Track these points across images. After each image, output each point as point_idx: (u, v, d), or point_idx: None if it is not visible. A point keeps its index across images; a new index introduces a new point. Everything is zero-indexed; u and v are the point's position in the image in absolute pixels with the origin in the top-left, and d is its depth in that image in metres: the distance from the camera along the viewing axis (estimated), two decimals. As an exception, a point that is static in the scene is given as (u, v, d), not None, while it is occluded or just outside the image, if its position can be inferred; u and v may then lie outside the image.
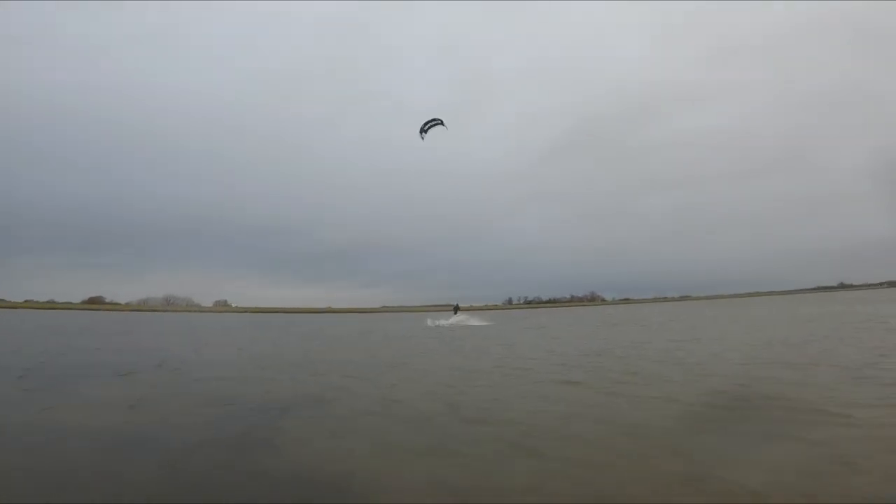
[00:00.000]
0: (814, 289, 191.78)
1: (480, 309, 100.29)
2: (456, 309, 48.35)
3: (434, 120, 17.91)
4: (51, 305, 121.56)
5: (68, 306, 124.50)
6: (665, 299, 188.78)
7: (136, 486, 4.40)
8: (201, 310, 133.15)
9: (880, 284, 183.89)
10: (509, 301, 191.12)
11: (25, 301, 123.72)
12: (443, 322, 38.26)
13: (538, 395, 8.50)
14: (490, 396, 8.39)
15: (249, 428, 6.42)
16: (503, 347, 17.86)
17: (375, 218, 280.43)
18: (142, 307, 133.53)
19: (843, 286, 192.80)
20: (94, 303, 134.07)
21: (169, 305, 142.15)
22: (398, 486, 4.40)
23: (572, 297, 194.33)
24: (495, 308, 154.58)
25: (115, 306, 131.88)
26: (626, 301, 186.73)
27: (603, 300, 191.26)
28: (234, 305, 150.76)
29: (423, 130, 18.06)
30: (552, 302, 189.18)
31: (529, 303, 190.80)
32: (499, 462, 4.94)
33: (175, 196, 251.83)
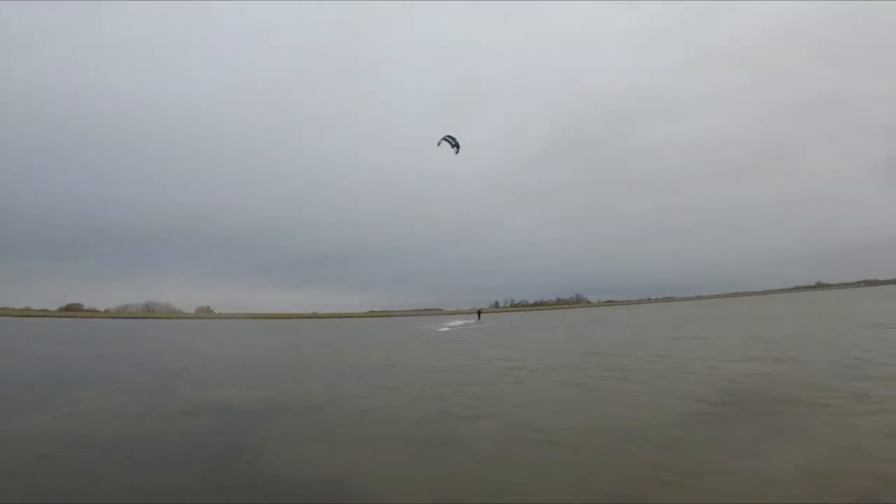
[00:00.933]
0: (792, 288, 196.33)
1: (486, 312, 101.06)
2: (479, 313, 63.06)
3: (454, 140, 18.37)
4: (27, 313, 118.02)
5: (45, 314, 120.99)
6: (648, 301, 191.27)
7: (137, 491, 4.38)
8: (183, 316, 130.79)
9: (856, 283, 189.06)
10: (496, 304, 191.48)
11: (1, 308, 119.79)
12: (473, 322, 49.02)
13: (540, 393, 8.60)
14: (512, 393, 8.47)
15: (255, 432, 6.40)
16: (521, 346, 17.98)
17: (362, 224, 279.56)
18: (121, 314, 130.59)
19: (820, 286, 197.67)
20: (72, 310, 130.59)
21: (150, 312, 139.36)
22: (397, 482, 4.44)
23: (558, 299, 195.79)
24: (512, 310, 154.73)
25: (93, 313, 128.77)
26: (610, 303, 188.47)
27: (588, 302, 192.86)
28: (217, 312, 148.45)
29: (443, 139, 18.48)
30: (538, 305, 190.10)
31: (516, 306, 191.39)
32: (497, 460, 5.00)
33: (155, 203, 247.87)
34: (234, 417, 7.34)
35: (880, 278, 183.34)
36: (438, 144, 18.35)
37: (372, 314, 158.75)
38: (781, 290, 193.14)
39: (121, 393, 9.63)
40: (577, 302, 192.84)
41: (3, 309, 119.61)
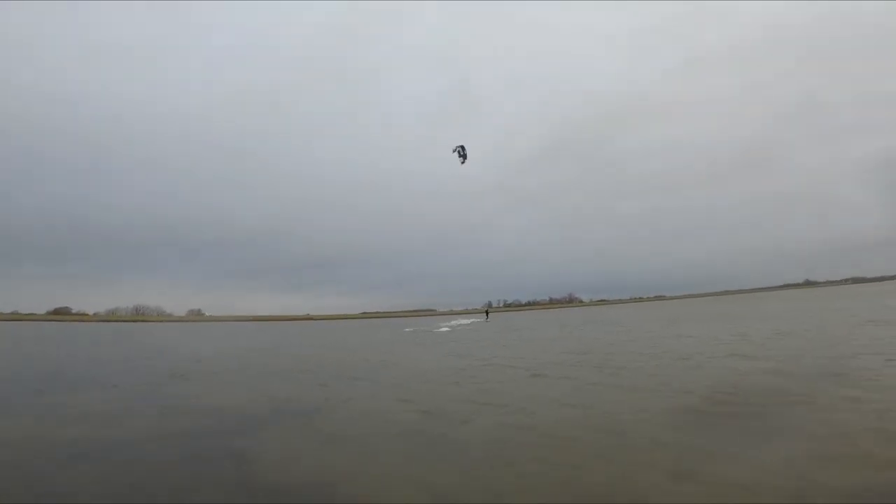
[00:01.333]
0: (781, 286, 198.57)
1: (481, 312, 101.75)
2: (487, 313, 73.62)
3: (463, 150, 18.85)
4: (15, 316, 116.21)
5: (33, 317, 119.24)
6: (640, 300, 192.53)
7: (137, 491, 4.39)
8: (173, 319, 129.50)
9: (844, 281, 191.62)
10: (489, 304, 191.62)
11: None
12: (480, 320, 57.03)
13: (535, 392, 8.66)
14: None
15: (253, 434, 6.42)
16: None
17: (359, 228, 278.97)
18: (110, 317, 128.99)
19: (808, 283, 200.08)
20: (60, 313, 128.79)
21: (139, 315, 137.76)
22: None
23: (551, 299, 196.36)
24: (505, 310, 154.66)
25: (82, 317, 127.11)
26: (603, 302, 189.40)
27: (581, 302, 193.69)
28: (207, 315, 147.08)
29: (456, 149, 19.01)
30: (531, 305, 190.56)
31: (508, 306, 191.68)
32: (494, 459, 5.03)
33: (150, 205, 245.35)
34: (232, 419, 7.33)
35: (868, 276, 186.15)
36: (454, 151, 18.83)
37: (365, 315, 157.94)
38: (771, 287, 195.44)
39: (119, 395, 9.56)
40: (570, 301, 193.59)
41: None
